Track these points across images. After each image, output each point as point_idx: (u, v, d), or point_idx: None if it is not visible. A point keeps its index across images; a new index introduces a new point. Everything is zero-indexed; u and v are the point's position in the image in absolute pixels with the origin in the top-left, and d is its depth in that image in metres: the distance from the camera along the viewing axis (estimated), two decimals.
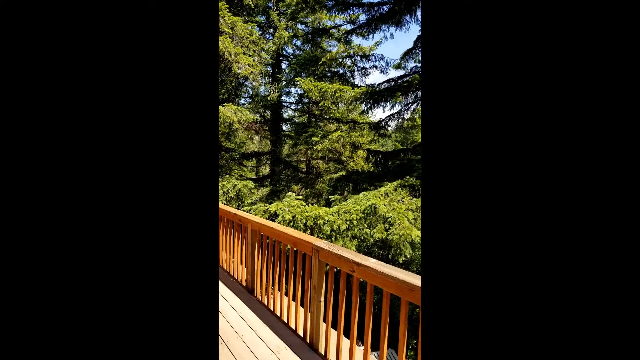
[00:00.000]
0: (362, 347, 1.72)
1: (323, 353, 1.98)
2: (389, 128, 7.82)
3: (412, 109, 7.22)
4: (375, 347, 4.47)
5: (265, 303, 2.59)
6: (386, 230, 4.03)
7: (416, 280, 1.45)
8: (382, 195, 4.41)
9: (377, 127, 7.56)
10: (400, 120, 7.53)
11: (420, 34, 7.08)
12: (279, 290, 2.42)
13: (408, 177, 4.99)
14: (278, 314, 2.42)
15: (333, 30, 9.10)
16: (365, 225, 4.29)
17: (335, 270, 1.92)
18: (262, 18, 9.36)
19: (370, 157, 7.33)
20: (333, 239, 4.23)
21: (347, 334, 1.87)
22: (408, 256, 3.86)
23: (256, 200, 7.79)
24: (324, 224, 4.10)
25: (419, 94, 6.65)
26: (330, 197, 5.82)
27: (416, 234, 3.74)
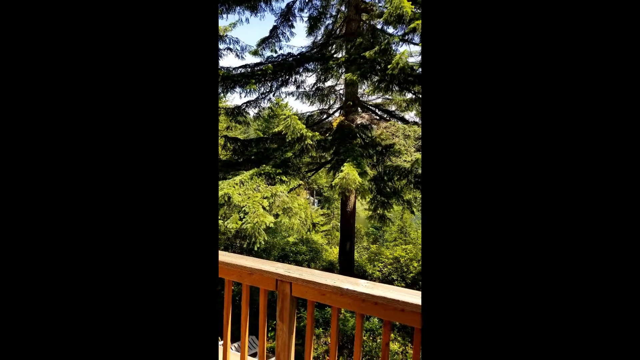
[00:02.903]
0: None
1: None
2: (248, 115, 7.69)
3: (269, 97, 7.36)
4: (236, 338, 4.44)
5: None
6: (241, 219, 3.98)
7: (255, 263, 1.48)
8: (237, 184, 4.30)
9: (235, 114, 7.30)
10: (259, 109, 7.53)
11: (275, 24, 7.24)
12: None
13: (264, 165, 5.08)
14: None
15: None
16: (219, 217, 4.08)
17: None
18: None
19: (229, 145, 7.01)
20: None
21: None
22: (263, 243, 3.96)
23: None
24: None
25: (275, 83, 6.84)
26: None
27: (270, 220, 3.87)
